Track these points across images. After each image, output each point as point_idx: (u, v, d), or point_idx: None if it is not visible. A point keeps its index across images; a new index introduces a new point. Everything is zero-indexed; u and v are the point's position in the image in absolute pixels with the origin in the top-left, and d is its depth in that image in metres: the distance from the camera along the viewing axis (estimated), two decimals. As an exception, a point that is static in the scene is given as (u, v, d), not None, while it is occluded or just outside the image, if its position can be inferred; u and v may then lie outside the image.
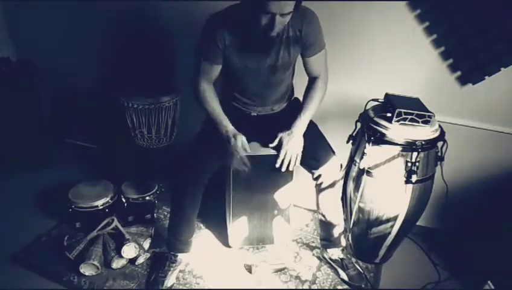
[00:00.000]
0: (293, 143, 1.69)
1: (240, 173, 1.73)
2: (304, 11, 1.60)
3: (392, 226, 1.83)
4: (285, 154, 1.70)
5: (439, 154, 1.75)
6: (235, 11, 1.59)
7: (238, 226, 1.99)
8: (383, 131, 1.67)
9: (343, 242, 1.94)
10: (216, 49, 1.63)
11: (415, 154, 1.65)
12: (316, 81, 1.76)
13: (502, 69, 1.83)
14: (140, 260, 1.95)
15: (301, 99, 1.90)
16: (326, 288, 1.88)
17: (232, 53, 1.64)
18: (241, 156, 1.68)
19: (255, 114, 1.84)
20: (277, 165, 1.72)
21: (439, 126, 1.74)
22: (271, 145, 1.72)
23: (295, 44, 1.65)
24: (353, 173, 1.85)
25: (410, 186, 1.71)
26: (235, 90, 1.80)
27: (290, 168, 1.73)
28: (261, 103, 1.81)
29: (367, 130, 1.72)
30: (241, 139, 1.68)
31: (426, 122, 1.66)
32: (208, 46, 1.63)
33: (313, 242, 2.16)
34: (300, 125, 1.71)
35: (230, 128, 1.69)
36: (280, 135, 1.71)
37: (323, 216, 1.87)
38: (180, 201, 1.79)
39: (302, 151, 1.73)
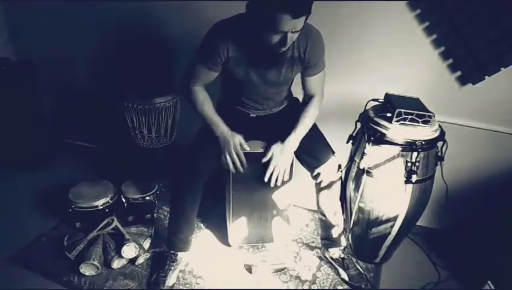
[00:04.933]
0: (282, 158, 1.70)
1: (238, 173, 1.73)
2: (310, 31, 1.60)
3: (392, 226, 1.83)
4: (274, 168, 1.70)
5: (439, 154, 1.75)
6: (241, 23, 1.57)
7: (238, 225, 1.99)
8: (383, 131, 1.67)
9: (344, 242, 1.94)
10: (217, 58, 1.61)
11: (415, 154, 1.65)
12: (312, 99, 1.77)
13: (502, 69, 1.83)
14: (140, 260, 1.95)
15: (301, 100, 1.90)
16: (326, 288, 1.88)
17: (234, 65, 1.63)
18: (238, 156, 1.68)
19: (254, 115, 1.85)
20: (265, 179, 1.72)
21: (439, 126, 1.74)
22: (264, 160, 1.71)
23: (298, 63, 1.66)
24: (353, 173, 1.85)
25: (410, 186, 1.71)
26: (234, 96, 1.80)
27: (278, 184, 1.73)
28: (260, 108, 1.82)
29: (367, 130, 1.72)
30: (239, 139, 1.68)
31: (426, 122, 1.66)
32: (209, 53, 1.61)
33: (313, 242, 2.16)
34: (292, 141, 1.71)
35: (225, 129, 1.68)
36: (273, 148, 1.71)
37: (324, 216, 1.88)
38: (180, 199, 1.79)
39: (302, 150, 1.74)
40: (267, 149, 1.73)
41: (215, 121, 1.69)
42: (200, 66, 1.65)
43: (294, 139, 1.71)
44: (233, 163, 1.69)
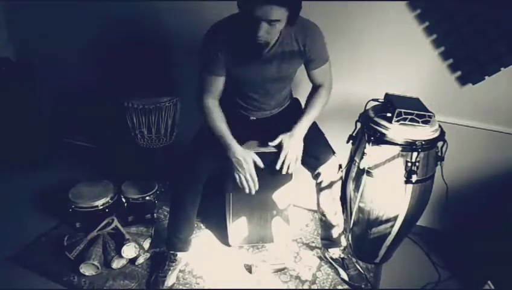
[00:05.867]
0: (293, 145, 1.69)
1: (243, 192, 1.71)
2: (307, 26, 1.60)
3: (392, 226, 1.83)
4: (286, 156, 1.68)
5: (439, 154, 1.75)
6: (234, 21, 1.57)
7: (238, 225, 1.99)
8: (383, 131, 1.67)
9: (344, 242, 1.94)
10: (217, 60, 1.61)
11: (415, 154, 1.65)
12: (319, 88, 1.76)
13: (502, 69, 1.83)
14: (140, 260, 1.95)
15: (300, 99, 1.90)
16: (326, 288, 1.88)
17: (231, 64, 1.63)
18: (251, 176, 1.66)
19: (254, 118, 1.84)
20: (277, 167, 1.71)
21: (439, 126, 1.74)
22: (271, 143, 1.71)
23: (298, 58, 1.66)
24: (353, 173, 1.85)
25: (410, 186, 1.71)
26: (234, 96, 1.80)
27: (290, 171, 1.72)
28: (261, 108, 1.82)
29: (367, 130, 1.72)
30: (252, 158, 1.67)
31: (426, 122, 1.66)
32: (209, 58, 1.61)
33: (313, 242, 2.16)
34: (300, 128, 1.70)
35: (238, 149, 1.65)
36: (281, 136, 1.70)
37: (324, 216, 1.87)
38: (179, 200, 1.79)
39: (303, 150, 1.73)
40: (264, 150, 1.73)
41: (227, 140, 1.65)
42: (205, 74, 1.65)
43: (302, 127, 1.70)
44: (248, 183, 1.68)
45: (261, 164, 1.69)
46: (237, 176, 1.68)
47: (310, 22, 1.62)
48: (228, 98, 1.84)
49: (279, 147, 1.70)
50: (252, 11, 1.39)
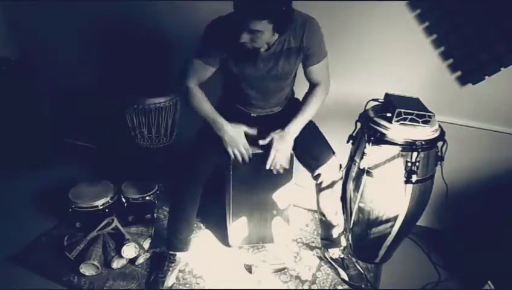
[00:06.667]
0: (282, 145, 1.69)
1: (240, 166, 1.73)
2: (305, 21, 1.60)
3: (392, 226, 1.83)
4: (275, 155, 1.69)
5: (439, 154, 1.75)
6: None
7: (238, 225, 1.99)
8: (383, 131, 1.67)
9: (344, 242, 1.94)
10: (215, 52, 1.62)
11: (415, 154, 1.65)
12: (316, 88, 1.75)
13: (502, 69, 1.83)
14: (140, 260, 1.95)
15: (301, 100, 1.90)
16: (326, 288, 1.88)
17: (233, 61, 1.64)
18: (245, 148, 1.69)
19: (255, 115, 1.84)
20: (267, 167, 1.71)
21: (439, 126, 1.74)
22: (261, 142, 1.71)
23: (297, 54, 1.65)
24: (353, 173, 1.85)
25: (410, 186, 1.71)
26: (235, 94, 1.80)
27: (279, 170, 1.73)
28: (261, 106, 1.82)
29: (367, 130, 1.72)
30: (243, 131, 1.69)
31: (426, 122, 1.66)
32: (206, 47, 1.62)
33: (313, 242, 2.16)
34: (293, 128, 1.70)
35: (226, 125, 1.67)
36: (272, 134, 1.70)
37: (324, 216, 1.87)
38: (179, 200, 1.79)
39: (303, 151, 1.73)
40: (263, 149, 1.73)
41: (214, 118, 1.67)
42: (197, 60, 1.65)
43: (294, 126, 1.70)
44: (243, 156, 1.70)
45: (254, 132, 1.72)
46: (231, 152, 1.69)
47: (309, 16, 1.61)
48: (229, 94, 1.84)
49: (269, 146, 1.70)
50: (236, 19, 1.43)
